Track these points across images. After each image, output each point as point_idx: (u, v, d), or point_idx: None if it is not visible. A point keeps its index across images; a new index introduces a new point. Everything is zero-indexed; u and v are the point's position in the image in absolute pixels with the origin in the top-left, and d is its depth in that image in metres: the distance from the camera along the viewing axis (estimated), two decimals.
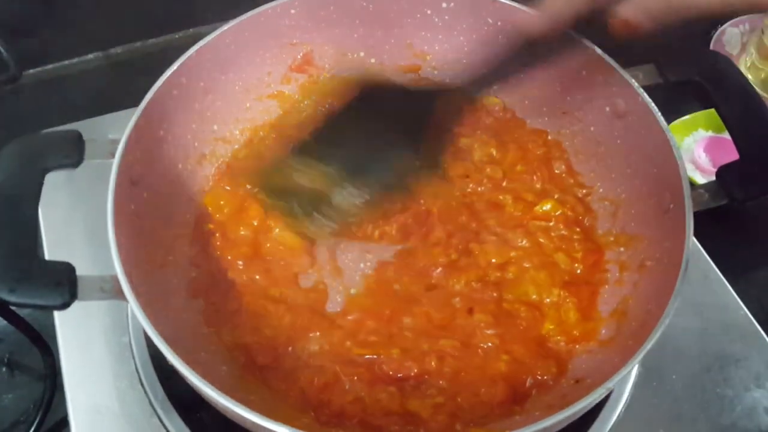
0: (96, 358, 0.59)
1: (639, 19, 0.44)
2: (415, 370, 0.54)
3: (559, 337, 0.57)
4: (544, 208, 0.62)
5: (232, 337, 0.56)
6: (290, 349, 0.55)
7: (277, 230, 0.60)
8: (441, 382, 0.54)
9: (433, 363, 0.54)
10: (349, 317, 0.57)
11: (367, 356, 0.55)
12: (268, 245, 0.60)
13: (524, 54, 0.55)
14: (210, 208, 0.62)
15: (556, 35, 0.52)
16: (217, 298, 0.58)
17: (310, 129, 0.61)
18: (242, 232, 0.61)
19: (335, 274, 0.60)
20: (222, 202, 0.62)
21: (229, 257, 0.59)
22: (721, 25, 0.90)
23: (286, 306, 0.57)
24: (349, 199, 0.57)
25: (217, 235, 0.61)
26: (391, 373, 0.54)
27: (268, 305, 0.57)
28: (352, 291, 0.59)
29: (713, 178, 0.54)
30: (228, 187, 0.63)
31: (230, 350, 0.55)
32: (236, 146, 0.66)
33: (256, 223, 0.61)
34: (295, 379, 0.54)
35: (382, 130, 0.58)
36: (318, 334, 0.56)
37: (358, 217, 0.58)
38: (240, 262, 0.59)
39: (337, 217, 0.57)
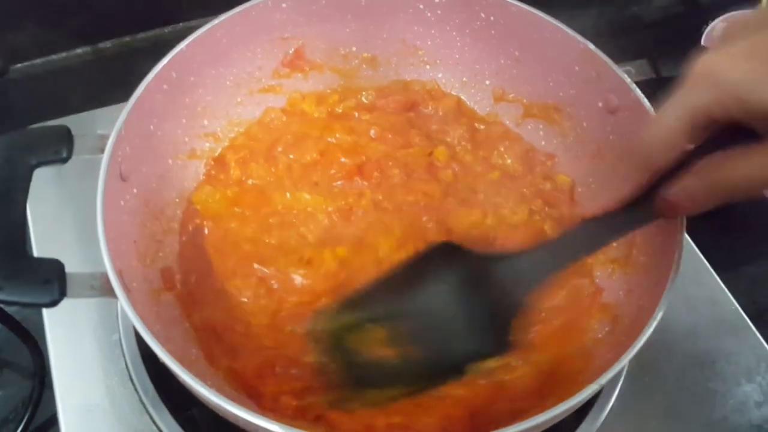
0: (85, 356, 0.59)
1: (681, 201, 0.43)
2: None
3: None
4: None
5: (201, 318, 0.56)
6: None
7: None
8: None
9: None
10: None
11: None
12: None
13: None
14: (198, 206, 0.62)
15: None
16: (192, 286, 0.58)
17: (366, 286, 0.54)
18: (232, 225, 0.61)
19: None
20: (210, 200, 0.62)
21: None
22: (712, 21, 0.90)
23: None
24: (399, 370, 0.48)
25: (206, 230, 0.60)
26: None
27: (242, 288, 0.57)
28: None
29: None
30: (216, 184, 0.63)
31: (198, 332, 0.55)
32: (226, 142, 0.66)
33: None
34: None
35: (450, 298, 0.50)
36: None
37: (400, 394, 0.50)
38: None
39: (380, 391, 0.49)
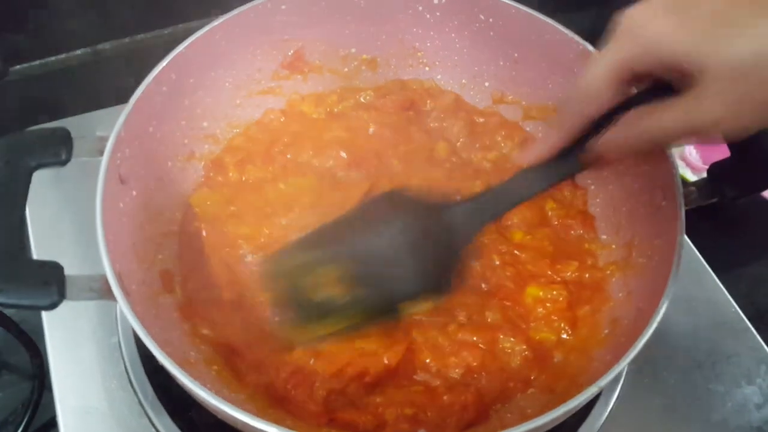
0: (85, 359, 0.59)
1: (610, 153, 0.45)
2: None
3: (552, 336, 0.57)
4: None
5: (213, 332, 0.55)
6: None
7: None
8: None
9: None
10: None
11: None
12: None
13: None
14: (196, 209, 0.61)
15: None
16: (197, 293, 0.57)
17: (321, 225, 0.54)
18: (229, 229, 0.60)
19: None
20: (208, 202, 0.62)
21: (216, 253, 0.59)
22: None
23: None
24: (352, 304, 0.50)
25: (204, 233, 0.60)
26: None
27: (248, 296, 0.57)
28: None
29: (703, 174, 0.55)
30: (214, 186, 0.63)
31: (213, 346, 0.55)
32: (225, 144, 0.66)
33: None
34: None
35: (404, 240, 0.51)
36: None
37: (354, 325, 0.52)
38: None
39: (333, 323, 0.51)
